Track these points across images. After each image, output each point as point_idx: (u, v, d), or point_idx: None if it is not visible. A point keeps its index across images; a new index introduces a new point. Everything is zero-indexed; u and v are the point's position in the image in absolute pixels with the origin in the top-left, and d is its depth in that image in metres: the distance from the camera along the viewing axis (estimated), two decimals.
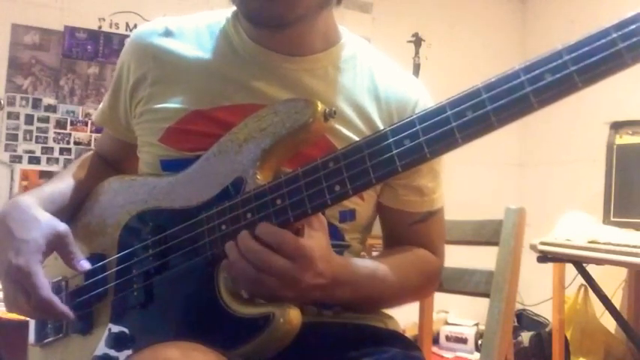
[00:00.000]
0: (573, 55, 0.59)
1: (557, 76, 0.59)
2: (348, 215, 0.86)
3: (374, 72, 0.90)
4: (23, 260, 0.78)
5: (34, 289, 0.77)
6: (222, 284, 0.74)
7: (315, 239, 0.71)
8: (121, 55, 0.94)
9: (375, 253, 0.95)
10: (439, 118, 0.65)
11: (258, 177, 0.75)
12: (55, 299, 0.79)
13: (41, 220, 0.82)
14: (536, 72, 0.60)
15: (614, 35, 0.57)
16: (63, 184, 0.93)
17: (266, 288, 0.70)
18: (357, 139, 0.76)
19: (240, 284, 0.72)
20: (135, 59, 0.90)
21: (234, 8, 0.89)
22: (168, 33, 0.90)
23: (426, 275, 0.91)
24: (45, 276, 0.79)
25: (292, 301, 0.70)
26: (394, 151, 0.67)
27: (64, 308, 0.80)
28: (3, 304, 0.82)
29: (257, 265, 0.69)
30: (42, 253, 0.79)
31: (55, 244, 0.81)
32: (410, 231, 0.91)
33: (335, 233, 0.85)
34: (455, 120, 0.64)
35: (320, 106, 0.74)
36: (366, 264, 0.82)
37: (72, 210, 0.92)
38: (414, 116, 0.67)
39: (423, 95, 0.91)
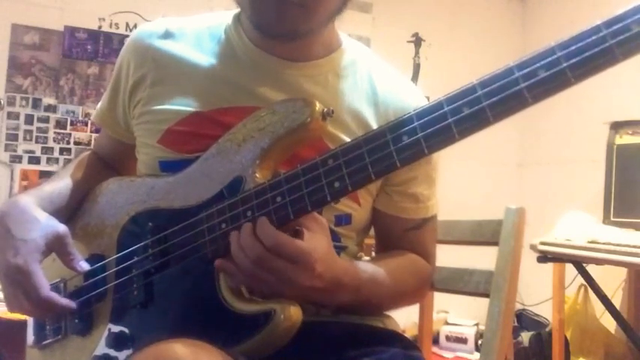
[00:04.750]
0: (566, 51, 0.60)
1: (551, 71, 0.60)
2: (344, 219, 0.86)
3: (373, 78, 0.90)
4: (22, 260, 0.78)
5: (34, 289, 0.78)
6: (222, 282, 0.74)
7: (315, 241, 0.71)
8: (120, 55, 0.93)
9: (373, 254, 0.95)
10: (436, 114, 0.66)
11: (257, 176, 0.75)
12: (55, 296, 0.80)
13: (40, 220, 0.83)
14: (530, 68, 0.62)
15: (605, 32, 0.59)
16: (62, 184, 0.93)
17: (263, 284, 0.70)
18: None
19: (239, 277, 0.72)
20: (134, 60, 0.90)
21: (236, 11, 0.89)
22: (168, 34, 0.89)
23: (419, 280, 0.92)
24: (44, 276, 0.79)
25: (290, 298, 0.70)
26: (392, 147, 0.67)
27: (66, 302, 0.81)
28: (3, 303, 0.83)
29: (255, 260, 0.69)
30: (41, 253, 0.80)
31: (54, 245, 0.82)
32: (404, 237, 0.92)
33: (331, 235, 0.85)
34: (452, 116, 0.64)
35: (318, 106, 0.74)
36: (365, 268, 0.82)
37: (70, 210, 0.92)
38: (412, 113, 0.67)
39: (422, 102, 0.90)
